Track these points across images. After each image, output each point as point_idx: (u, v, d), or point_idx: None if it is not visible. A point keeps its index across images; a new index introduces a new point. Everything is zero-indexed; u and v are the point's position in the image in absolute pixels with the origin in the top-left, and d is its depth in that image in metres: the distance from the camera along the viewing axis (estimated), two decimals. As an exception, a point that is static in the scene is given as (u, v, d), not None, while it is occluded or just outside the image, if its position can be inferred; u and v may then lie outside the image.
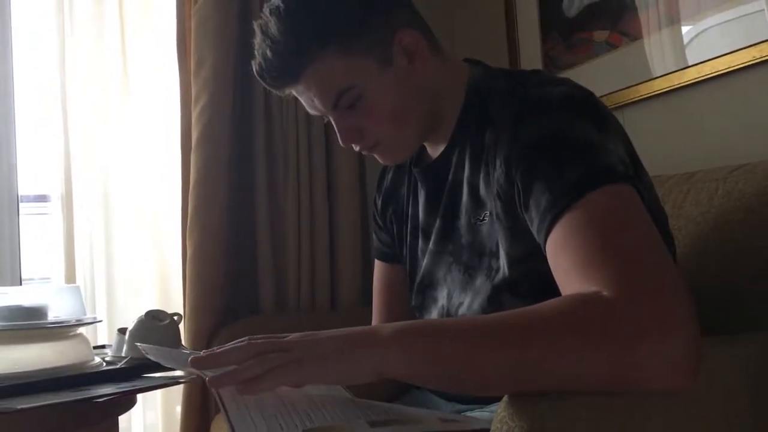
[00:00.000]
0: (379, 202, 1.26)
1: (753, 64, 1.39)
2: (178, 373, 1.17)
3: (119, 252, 2.06)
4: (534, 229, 0.87)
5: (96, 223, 2.04)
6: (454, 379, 0.75)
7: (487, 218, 0.98)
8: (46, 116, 2.04)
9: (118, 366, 1.24)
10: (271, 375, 0.71)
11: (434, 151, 1.10)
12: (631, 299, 0.71)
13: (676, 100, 1.58)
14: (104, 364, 1.26)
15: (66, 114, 2.01)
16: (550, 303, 0.74)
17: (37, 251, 2.12)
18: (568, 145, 0.86)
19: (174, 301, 2.05)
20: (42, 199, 2.09)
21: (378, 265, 1.29)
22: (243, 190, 2.03)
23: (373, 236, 1.31)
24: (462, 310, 1.03)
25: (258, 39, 0.98)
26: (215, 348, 0.77)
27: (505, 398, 0.70)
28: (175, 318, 1.36)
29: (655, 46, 1.61)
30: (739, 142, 1.44)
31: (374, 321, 1.28)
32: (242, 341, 0.77)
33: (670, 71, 1.57)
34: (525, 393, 0.70)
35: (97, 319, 1.39)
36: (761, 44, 1.37)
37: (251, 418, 0.70)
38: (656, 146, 1.59)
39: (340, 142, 1.03)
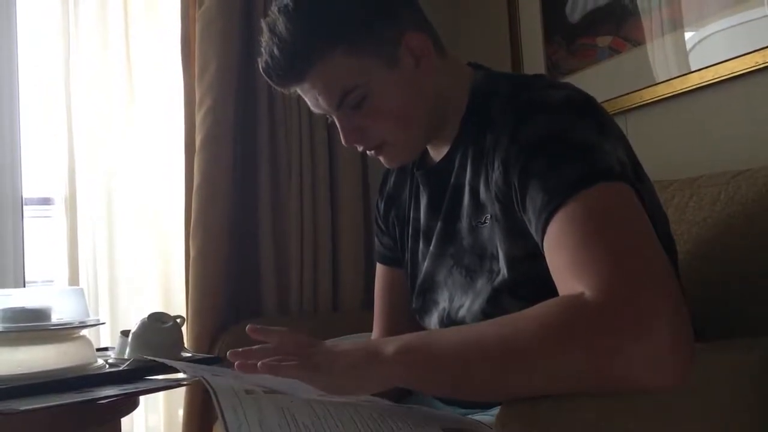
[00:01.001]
0: (382, 206, 1.26)
1: (756, 70, 1.39)
2: (181, 375, 1.17)
3: (122, 254, 2.07)
4: (532, 229, 0.87)
5: (99, 225, 2.05)
6: (452, 388, 0.82)
7: (488, 221, 0.98)
8: (50, 119, 2.05)
9: (120, 368, 1.24)
10: (289, 366, 0.81)
11: (437, 154, 1.10)
12: (611, 299, 0.72)
13: (678, 105, 1.58)
14: (107, 366, 1.26)
15: (70, 117, 2.02)
16: (535, 310, 0.76)
17: (41, 254, 2.12)
18: (565, 145, 0.86)
19: (177, 304, 2.06)
20: (46, 201, 2.10)
21: (380, 269, 1.29)
22: (246, 193, 2.03)
23: (375, 239, 1.32)
24: (462, 313, 1.03)
25: (265, 37, 0.98)
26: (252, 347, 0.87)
27: (506, 401, 0.70)
28: (178, 320, 1.37)
29: (658, 52, 1.62)
30: (741, 148, 1.44)
31: (375, 324, 1.28)
32: (276, 339, 0.89)
33: (673, 76, 1.57)
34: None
35: (100, 322, 1.39)
36: (764, 50, 1.37)
37: (248, 426, 0.73)
38: (659, 151, 1.59)
39: (343, 141, 1.04)
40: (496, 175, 0.94)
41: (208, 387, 0.77)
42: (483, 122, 0.99)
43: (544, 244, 0.84)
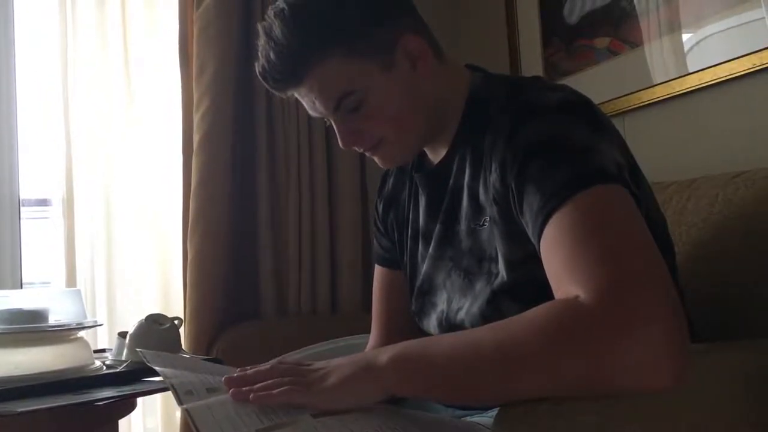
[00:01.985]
0: (380, 208, 1.26)
1: (754, 72, 1.40)
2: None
3: (120, 256, 2.06)
4: (529, 232, 0.87)
5: (97, 226, 2.04)
6: (449, 395, 0.82)
7: (486, 223, 0.98)
8: (48, 120, 2.05)
9: (118, 370, 1.24)
10: (281, 392, 0.80)
11: (435, 156, 1.10)
12: (606, 301, 0.72)
13: (676, 106, 1.59)
14: (104, 367, 1.26)
15: (68, 118, 2.02)
16: (530, 314, 0.76)
17: (38, 255, 2.12)
18: (561, 147, 0.86)
19: (175, 305, 2.06)
20: (43, 203, 2.10)
21: (378, 271, 1.29)
22: (244, 194, 2.03)
23: (374, 241, 1.31)
24: (461, 315, 1.03)
25: (262, 41, 0.98)
26: (247, 368, 0.86)
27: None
28: (176, 322, 1.37)
29: (656, 53, 1.62)
30: (740, 149, 1.44)
31: (374, 327, 1.28)
32: (269, 364, 0.87)
33: (671, 78, 1.57)
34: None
35: (98, 323, 1.39)
36: (762, 51, 1.37)
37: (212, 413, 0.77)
38: (657, 153, 1.59)
39: (341, 144, 1.04)
40: (493, 177, 0.94)
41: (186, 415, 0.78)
42: (481, 124, 0.99)
43: (541, 247, 0.84)
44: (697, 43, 1.53)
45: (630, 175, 0.89)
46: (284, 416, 0.77)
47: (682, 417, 0.79)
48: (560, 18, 1.88)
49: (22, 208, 2.03)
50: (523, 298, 0.90)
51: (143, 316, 1.35)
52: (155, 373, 1.20)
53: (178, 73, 2.03)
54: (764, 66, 1.37)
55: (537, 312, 0.76)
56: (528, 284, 0.92)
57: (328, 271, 2.08)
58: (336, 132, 1.03)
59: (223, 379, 0.84)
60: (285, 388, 0.81)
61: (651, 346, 0.69)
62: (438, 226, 1.08)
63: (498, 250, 0.96)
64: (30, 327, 1.17)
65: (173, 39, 2.04)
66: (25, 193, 2.05)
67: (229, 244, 1.98)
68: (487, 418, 0.97)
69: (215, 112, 1.95)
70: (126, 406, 1.22)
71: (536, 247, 0.86)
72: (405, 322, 1.21)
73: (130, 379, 1.20)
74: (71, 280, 1.99)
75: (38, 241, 2.13)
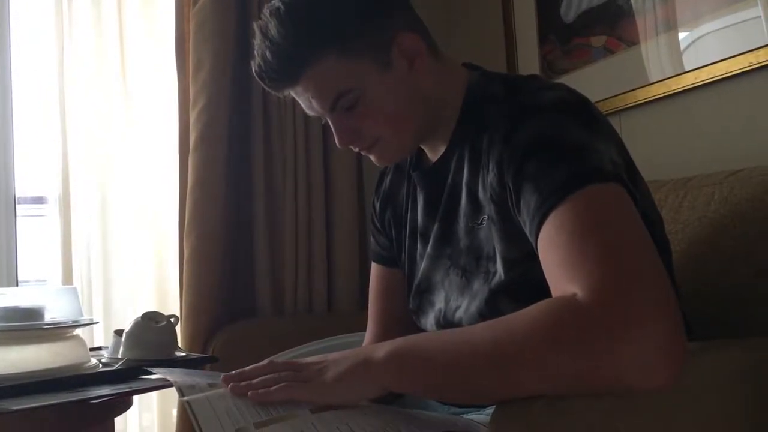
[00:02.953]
0: (378, 206, 1.26)
1: (750, 70, 1.40)
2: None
3: (116, 254, 2.06)
4: (527, 231, 0.87)
5: (93, 224, 2.04)
6: (445, 392, 0.83)
7: (485, 222, 0.98)
8: (44, 118, 2.05)
9: (114, 367, 1.24)
10: (279, 389, 0.81)
11: (433, 154, 1.10)
12: (603, 300, 0.72)
13: (673, 105, 1.59)
14: (100, 365, 1.26)
15: (64, 116, 2.01)
16: (527, 312, 0.76)
17: (34, 253, 2.12)
18: (558, 145, 0.86)
19: (171, 303, 2.05)
20: (39, 200, 2.09)
21: (375, 269, 1.29)
22: (241, 192, 2.03)
23: (371, 239, 1.31)
24: (459, 314, 1.03)
25: (258, 40, 0.98)
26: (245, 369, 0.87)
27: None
28: (172, 320, 1.36)
29: (652, 52, 1.62)
30: (735, 148, 1.44)
31: (370, 325, 1.28)
32: (265, 362, 0.87)
33: (668, 76, 1.58)
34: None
35: (94, 321, 1.39)
36: (758, 50, 1.37)
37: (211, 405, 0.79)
38: (653, 151, 1.59)
39: (337, 143, 1.04)
40: (491, 176, 0.94)
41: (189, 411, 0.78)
42: (478, 123, 1.00)
43: (538, 245, 0.84)
44: (693, 41, 1.53)
45: (627, 174, 0.89)
46: (282, 410, 0.78)
47: (678, 415, 0.79)
48: (557, 16, 1.88)
49: (18, 206, 2.03)
50: (520, 297, 0.90)
51: (139, 314, 1.34)
52: (151, 371, 1.21)
53: (175, 71, 2.03)
54: (760, 65, 1.37)
55: (534, 310, 0.76)
56: (526, 283, 0.92)
57: (324, 270, 2.08)
58: (333, 131, 1.03)
59: (222, 376, 0.85)
60: (282, 384, 0.82)
61: (648, 344, 0.69)
62: (436, 225, 1.08)
63: (496, 249, 0.96)
64: (26, 325, 1.16)
65: (170, 37, 2.04)
66: (21, 191, 2.04)
67: (226, 243, 1.98)
68: (483, 416, 0.97)
69: (211, 110, 1.95)
70: (122, 403, 1.22)
71: (534, 246, 0.86)
72: (401, 320, 1.21)
73: (126, 377, 1.19)
74: (67, 278, 1.99)
75: (34, 239, 2.12)
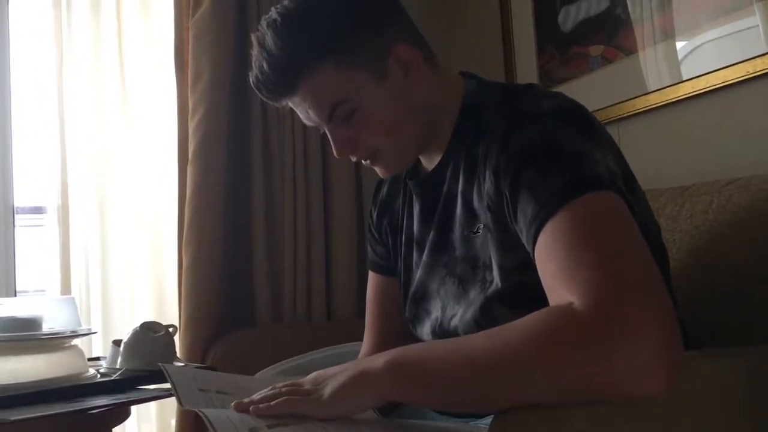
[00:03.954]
0: (375, 214, 1.26)
1: (747, 79, 1.40)
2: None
3: (115, 263, 2.06)
4: (524, 239, 0.88)
5: (92, 234, 2.04)
6: (444, 401, 0.83)
7: (480, 230, 0.99)
8: (43, 128, 2.05)
9: (112, 378, 1.23)
10: (280, 403, 0.83)
11: (429, 163, 1.10)
12: (600, 308, 0.72)
13: (671, 114, 1.59)
14: (99, 375, 1.26)
15: (63, 125, 2.02)
16: (525, 321, 0.76)
17: (33, 263, 2.12)
18: (554, 153, 0.86)
19: (169, 313, 2.05)
20: (38, 210, 2.09)
21: (372, 278, 1.29)
22: (239, 201, 2.03)
23: (368, 248, 1.31)
24: (454, 322, 1.03)
25: (255, 51, 0.99)
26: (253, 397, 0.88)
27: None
28: (170, 330, 1.36)
29: (650, 61, 1.62)
30: (733, 156, 1.44)
31: (367, 333, 1.28)
32: (270, 388, 0.88)
33: (665, 86, 1.58)
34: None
35: (92, 331, 1.39)
36: (755, 59, 1.38)
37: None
38: (651, 160, 1.60)
39: (335, 153, 1.04)
40: (487, 185, 0.94)
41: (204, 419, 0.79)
42: (475, 131, 1.00)
43: (535, 254, 0.84)
44: (691, 50, 1.54)
45: (624, 183, 0.89)
46: (292, 420, 0.80)
47: (677, 423, 0.79)
48: (555, 26, 1.89)
49: (16, 216, 2.03)
50: (517, 306, 0.90)
51: (138, 324, 1.34)
52: (149, 381, 1.21)
53: (174, 80, 2.03)
54: (758, 73, 1.38)
55: (531, 319, 0.76)
56: (522, 291, 0.92)
57: (323, 278, 2.08)
58: (330, 141, 1.03)
59: (232, 404, 0.86)
60: (284, 398, 0.83)
61: (644, 352, 0.69)
62: (432, 233, 1.08)
63: (492, 257, 0.96)
64: (24, 335, 1.16)
65: (168, 47, 2.05)
66: (19, 201, 2.04)
67: (224, 252, 1.98)
68: (482, 425, 0.97)
69: (210, 119, 1.96)
70: (120, 414, 1.22)
71: (531, 254, 0.86)
72: (398, 329, 1.21)
73: (125, 387, 1.19)
74: (66, 288, 1.98)
75: (33, 248, 2.12)
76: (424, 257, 1.10)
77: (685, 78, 1.53)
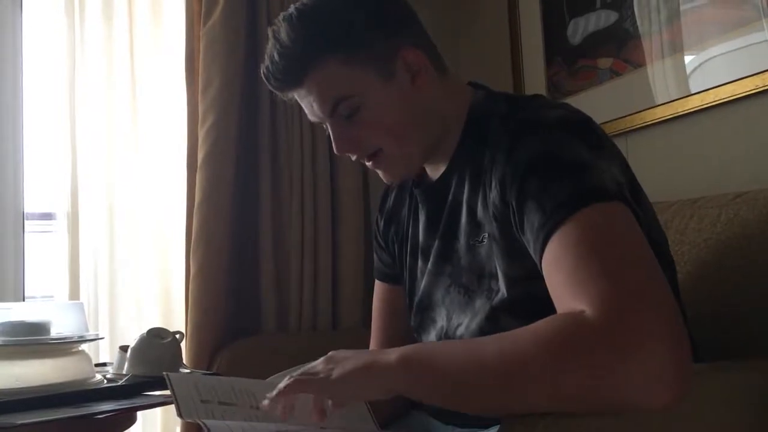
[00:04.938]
0: (381, 223, 1.27)
1: (756, 93, 1.40)
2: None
3: (123, 270, 2.07)
4: (530, 250, 0.88)
5: (100, 241, 2.05)
6: (452, 399, 0.82)
7: (485, 240, 0.99)
8: (53, 134, 2.06)
9: (118, 383, 1.24)
10: (288, 384, 0.85)
11: (435, 172, 1.11)
12: (610, 318, 0.72)
13: (679, 127, 1.59)
14: (105, 381, 1.26)
15: (74, 132, 2.03)
16: (536, 326, 0.77)
17: (42, 269, 2.12)
18: (560, 164, 0.87)
19: (176, 320, 2.05)
20: (48, 217, 2.10)
21: (378, 286, 1.30)
22: (247, 209, 2.04)
23: (375, 257, 1.32)
24: (460, 331, 1.03)
25: (270, 43, 1.02)
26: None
27: (504, 421, 0.70)
28: (177, 336, 1.37)
29: (658, 74, 1.63)
30: (741, 170, 1.44)
31: (372, 341, 1.28)
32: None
33: (674, 99, 1.58)
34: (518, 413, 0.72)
35: (99, 336, 1.39)
36: (764, 73, 1.38)
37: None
38: (659, 173, 1.59)
39: (335, 149, 1.05)
40: (493, 194, 0.94)
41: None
42: (481, 141, 1.00)
43: (542, 265, 0.85)
44: (700, 64, 1.54)
45: (630, 194, 0.89)
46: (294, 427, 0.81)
47: (682, 436, 0.79)
48: (563, 38, 1.90)
49: (26, 222, 2.03)
50: (522, 315, 0.90)
51: (145, 330, 1.35)
52: (155, 388, 1.21)
53: (184, 89, 2.04)
54: (766, 87, 1.38)
55: (542, 324, 0.76)
56: (528, 301, 0.92)
57: (329, 287, 2.08)
58: (331, 137, 1.04)
59: (261, 404, 0.88)
60: (292, 380, 0.85)
61: (653, 364, 0.69)
62: (437, 242, 1.09)
63: (498, 266, 0.96)
64: (31, 339, 1.17)
65: (179, 55, 2.06)
66: (29, 207, 2.05)
67: (232, 259, 1.98)
68: (487, 435, 0.97)
69: (220, 128, 1.96)
70: (126, 419, 1.22)
71: (538, 264, 0.86)
72: (404, 338, 1.21)
73: (131, 393, 1.20)
74: (74, 294, 1.99)
75: (42, 254, 2.13)
76: (429, 266, 1.10)
77: (693, 91, 1.54)
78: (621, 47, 1.72)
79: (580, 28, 1.84)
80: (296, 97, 1.05)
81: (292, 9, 1.01)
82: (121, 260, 2.06)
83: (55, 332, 1.23)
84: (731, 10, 1.46)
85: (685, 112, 1.55)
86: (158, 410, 2.02)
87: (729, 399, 0.88)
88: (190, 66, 2.04)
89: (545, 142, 0.90)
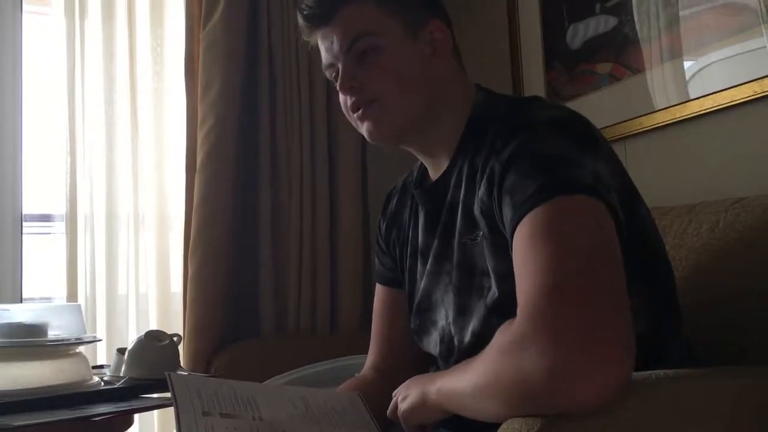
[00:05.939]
0: (383, 227, 1.27)
1: (754, 99, 1.40)
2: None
3: (121, 272, 2.06)
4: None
5: (98, 243, 2.04)
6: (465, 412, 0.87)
7: (478, 238, 0.99)
8: (51, 136, 2.06)
9: (115, 386, 1.23)
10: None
11: (435, 173, 1.11)
12: (532, 315, 0.75)
13: (677, 132, 1.59)
14: (102, 383, 1.26)
15: (72, 134, 2.03)
16: (488, 347, 0.82)
17: (40, 270, 2.12)
18: (538, 158, 0.87)
19: (174, 322, 2.05)
20: (46, 218, 2.10)
21: (379, 289, 1.29)
22: (246, 211, 2.04)
23: (376, 260, 1.32)
24: (460, 332, 1.03)
25: None
26: None
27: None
28: (175, 339, 1.36)
29: (657, 79, 1.63)
30: (740, 176, 1.44)
31: (372, 345, 1.28)
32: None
33: (672, 104, 1.58)
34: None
35: (97, 338, 1.39)
36: (763, 79, 1.38)
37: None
38: (658, 178, 1.60)
39: (338, 86, 1.06)
40: (481, 192, 0.95)
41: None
42: (478, 142, 1.01)
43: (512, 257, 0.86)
44: (699, 70, 1.54)
45: (622, 196, 0.89)
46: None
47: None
48: (563, 43, 1.90)
49: (24, 223, 2.03)
50: (514, 312, 0.90)
51: (142, 333, 1.34)
52: (152, 390, 1.21)
53: (183, 91, 2.04)
54: (765, 93, 1.38)
55: (489, 347, 0.81)
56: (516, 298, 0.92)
57: (328, 290, 2.08)
58: (340, 75, 1.06)
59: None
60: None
61: (567, 362, 0.70)
62: (435, 242, 1.09)
63: (488, 264, 0.97)
64: (28, 341, 1.17)
65: (179, 57, 2.06)
66: (27, 209, 2.05)
67: (230, 262, 1.98)
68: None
69: (219, 130, 1.97)
70: (123, 422, 1.22)
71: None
72: (404, 342, 1.21)
73: (128, 396, 1.19)
74: (72, 296, 1.99)
75: (40, 256, 2.13)
76: (428, 266, 1.10)
77: (692, 97, 1.54)
78: (620, 52, 1.72)
79: (580, 33, 1.84)
80: (319, 37, 1.07)
81: None
82: (119, 262, 2.06)
83: (52, 334, 1.23)
84: (730, 16, 1.46)
85: (684, 117, 1.55)
86: (155, 413, 2.01)
87: (727, 403, 0.88)
88: (189, 68, 2.05)
89: (530, 139, 0.90)
